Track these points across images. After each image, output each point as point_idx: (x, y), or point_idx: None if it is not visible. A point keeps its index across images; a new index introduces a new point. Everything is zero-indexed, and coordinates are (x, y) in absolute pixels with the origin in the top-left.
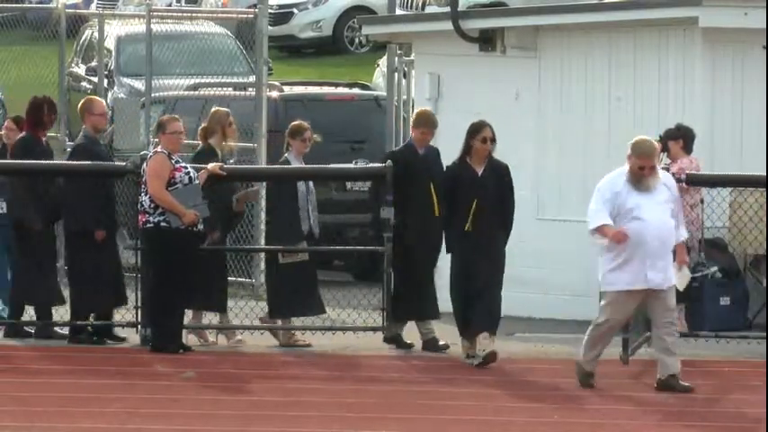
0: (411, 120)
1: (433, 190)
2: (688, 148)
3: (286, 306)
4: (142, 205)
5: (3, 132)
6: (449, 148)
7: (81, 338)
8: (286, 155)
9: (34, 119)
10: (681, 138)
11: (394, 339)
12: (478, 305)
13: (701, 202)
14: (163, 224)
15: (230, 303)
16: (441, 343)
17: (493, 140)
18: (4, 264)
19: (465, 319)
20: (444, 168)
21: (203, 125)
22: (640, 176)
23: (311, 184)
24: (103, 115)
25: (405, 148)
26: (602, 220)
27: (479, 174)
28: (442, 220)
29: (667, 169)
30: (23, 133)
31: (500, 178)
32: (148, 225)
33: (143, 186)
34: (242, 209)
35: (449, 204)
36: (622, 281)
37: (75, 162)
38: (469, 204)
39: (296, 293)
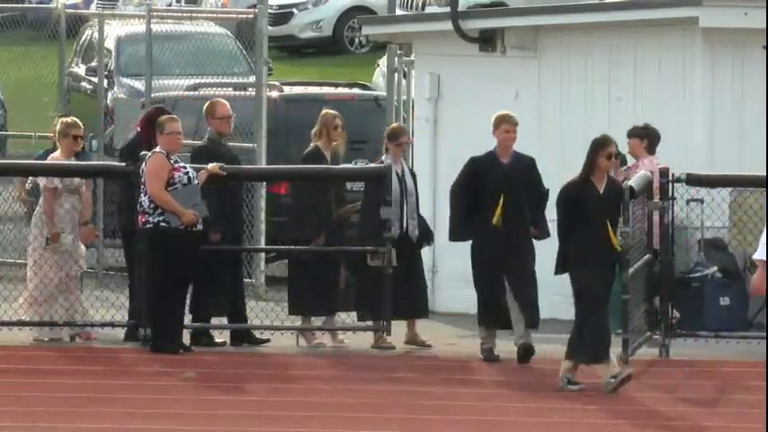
0: (492, 123)
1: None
2: (651, 149)
3: (377, 307)
4: (141, 205)
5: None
6: (449, 148)
7: (203, 341)
8: (383, 157)
9: (149, 125)
10: (646, 137)
11: (489, 353)
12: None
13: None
14: (162, 224)
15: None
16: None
17: (617, 157)
18: None
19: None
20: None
21: (316, 128)
22: None
23: (410, 185)
24: (225, 119)
25: (487, 155)
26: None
27: (601, 192)
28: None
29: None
30: (134, 134)
31: (618, 197)
32: (148, 225)
33: (142, 187)
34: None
35: (567, 226)
36: None
37: (74, 163)
38: (595, 226)
39: (395, 295)
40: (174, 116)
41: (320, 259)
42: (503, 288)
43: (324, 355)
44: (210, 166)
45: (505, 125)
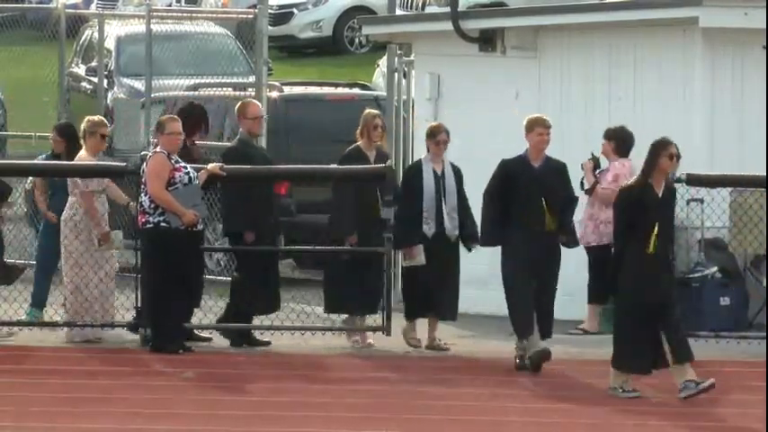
0: (524, 127)
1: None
2: (621, 151)
3: (419, 307)
4: (142, 205)
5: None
6: (449, 148)
7: (239, 342)
8: (422, 157)
9: (184, 124)
10: (614, 139)
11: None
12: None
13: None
14: (162, 224)
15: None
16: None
17: (678, 157)
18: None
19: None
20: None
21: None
22: None
23: (450, 184)
24: (257, 119)
25: (518, 158)
26: None
27: (660, 195)
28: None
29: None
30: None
31: (674, 199)
32: (148, 225)
33: (143, 187)
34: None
35: (624, 230)
36: None
37: (74, 163)
38: (650, 229)
39: (426, 295)
40: (175, 116)
41: (358, 258)
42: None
43: (324, 355)
44: (211, 166)
45: (539, 128)
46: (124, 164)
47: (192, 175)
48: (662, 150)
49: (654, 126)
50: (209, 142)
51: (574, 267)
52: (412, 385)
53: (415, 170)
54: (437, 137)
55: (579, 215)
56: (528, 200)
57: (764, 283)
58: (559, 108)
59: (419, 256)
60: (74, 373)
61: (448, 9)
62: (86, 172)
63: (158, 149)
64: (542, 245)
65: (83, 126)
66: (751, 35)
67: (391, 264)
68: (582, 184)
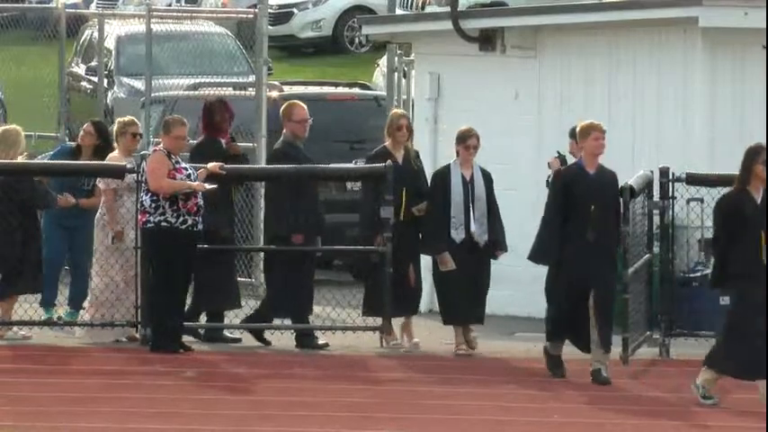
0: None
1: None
2: None
3: (460, 313)
4: (143, 205)
5: (81, 134)
6: (449, 148)
7: (306, 342)
8: (450, 162)
9: (209, 122)
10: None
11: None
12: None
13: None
14: (163, 224)
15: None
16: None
17: None
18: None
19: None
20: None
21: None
22: None
23: (479, 190)
24: (302, 122)
25: (572, 166)
26: None
27: (758, 202)
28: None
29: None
30: (201, 137)
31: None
32: (149, 225)
33: (143, 186)
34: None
35: (727, 238)
36: None
37: (74, 162)
38: (755, 237)
39: (464, 299)
40: (184, 120)
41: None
42: (585, 303)
43: (324, 355)
44: (210, 165)
45: (595, 132)
46: (124, 163)
47: (192, 176)
48: (757, 157)
49: (654, 126)
50: None
51: None
52: (412, 385)
53: (443, 175)
54: (467, 141)
55: None
56: (584, 208)
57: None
58: (559, 108)
59: (449, 262)
60: (74, 372)
61: (448, 9)
62: (87, 171)
63: (159, 148)
64: (598, 253)
65: (114, 128)
66: (751, 35)
67: (391, 264)
68: (548, 182)
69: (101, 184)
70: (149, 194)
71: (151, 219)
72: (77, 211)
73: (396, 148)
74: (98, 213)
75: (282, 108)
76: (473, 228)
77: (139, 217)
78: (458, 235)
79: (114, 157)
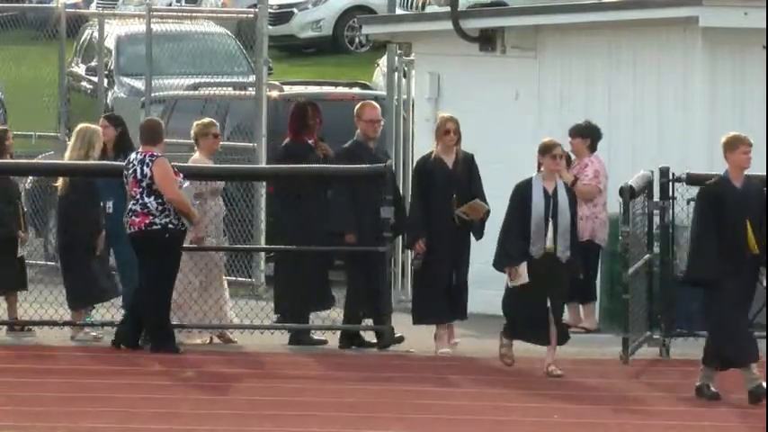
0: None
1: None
2: (593, 147)
3: (522, 328)
4: (146, 207)
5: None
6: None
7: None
8: (533, 176)
9: (298, 124)
10: (589, 136)
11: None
12: None
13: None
14: (170, 225)
15: (230, 303)
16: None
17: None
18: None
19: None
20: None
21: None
22: None
23: (563, 204)
24: (372, 122)
25: (719, 180)
26: None
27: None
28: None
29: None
30: (287, 139)
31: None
32: (155, 227)
33: (143, 188)
34: (472, 218)
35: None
36: None
37: (74, 162)
38: (736, 227)
39: (527, 318)
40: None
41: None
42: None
43: (324, 355)
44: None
45: (744, 146)
46: (124, 163)
47: (181, 179)
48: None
49: (654, 126)
50: None
51: None
52: (412, 385)
53: (523, 189)
54: (553, 151)
55: None
56: (734, 223)
57: (764, 283)
58: (559, 108)
59: (523, 275)
60: (74, 372)
61: (448, 9)
62: (86, 172)
63: (159, 153)
64: (749, 268)
65: (192, 131)
66: (751, 35)
67: (392, 263)
68: None
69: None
70: (153, 197)
71: (157, 221)
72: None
73: (445, 152)
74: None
75: (356, 107)
76: (548, 243)
77: (138, 219)
78: (537, 251)
79: (197, 159)
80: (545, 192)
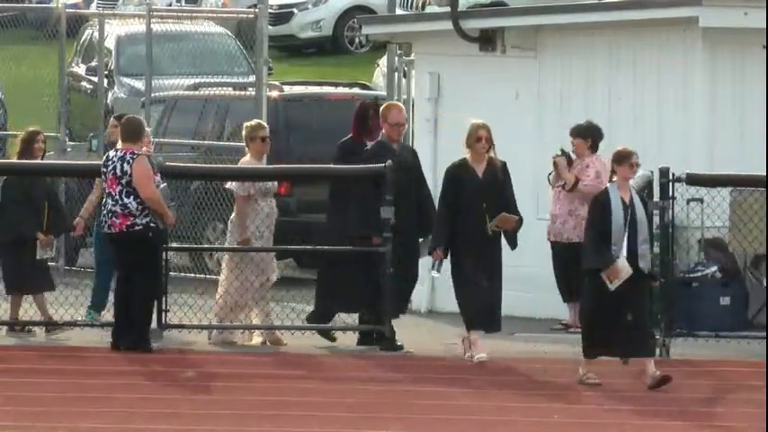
0: None
1: None
2: (594, 147)
3: (599, 340)
4: (126, 208)
5: (109, 132)
6: (449, 148)
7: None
8: (608, 185)
9: (360, 124)
10: (590, 137)
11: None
12: None
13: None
14: (152, 224)
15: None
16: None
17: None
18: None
19: None
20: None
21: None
22: None
23: (640, 214)
24: (394, 126)
25: None
26: None
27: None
28: None
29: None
30: (347, 137)
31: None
32: (137, 227)
33: (122, 186)
34: (506, 228)
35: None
36: None
37: (74, 162)
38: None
39: (607, 331)
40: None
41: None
42: None
43: (324, 355)
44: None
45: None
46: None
47: (159, 179)
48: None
49: (654, 126)
50: (207, 141)
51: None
52: (412, 385)
53: (604, 199)
54: (630, 159)
55: (555, 210)
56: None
57: (764, 283)
58: (559, 108)
59: (624, 269)
60: (74, 373)
61: (448, 9)
62: (84, 172)
63: (141, 151)
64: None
65: (243, 133)
66: (751, 35)
67: (391, 264)
68: (549, 179)
69: (234, 188)
70: (132, 197)
71: (138, 221)
72: None
73: (476, 160)
74: (232, 216)
75: (381, 108)
76: (624, 253)
77: (119, 221)
78: (618, 256)
79: (246, 162)
80: (623, 202)
